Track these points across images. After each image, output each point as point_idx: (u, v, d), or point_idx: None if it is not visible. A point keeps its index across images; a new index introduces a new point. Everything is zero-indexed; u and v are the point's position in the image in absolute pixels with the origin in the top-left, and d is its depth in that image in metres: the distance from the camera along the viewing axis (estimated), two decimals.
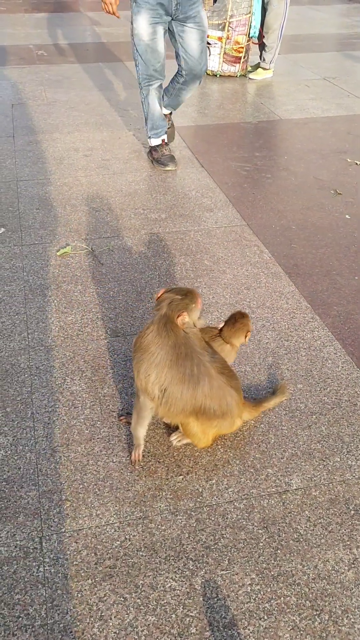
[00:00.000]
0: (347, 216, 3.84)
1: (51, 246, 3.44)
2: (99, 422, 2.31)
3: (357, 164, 4.59)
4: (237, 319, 2.29)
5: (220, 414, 2.10)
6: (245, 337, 2.28)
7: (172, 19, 3.99)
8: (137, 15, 3.89)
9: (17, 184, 4.14)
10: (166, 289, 2.04)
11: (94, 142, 4.87)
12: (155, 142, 4.47)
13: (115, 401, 2.41)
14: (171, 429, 2.26)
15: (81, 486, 2.05)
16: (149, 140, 4.51)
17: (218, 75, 6.63)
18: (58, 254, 3.36)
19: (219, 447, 2.22)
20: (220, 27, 6.34)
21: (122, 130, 5.13)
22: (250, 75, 6.62)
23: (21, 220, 3.69)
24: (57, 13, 9.83)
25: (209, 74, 6.67)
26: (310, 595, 1.76)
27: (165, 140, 4.48)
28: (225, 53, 6.48)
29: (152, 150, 4.52)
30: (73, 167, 4.42)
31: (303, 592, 1.77)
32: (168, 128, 4.64)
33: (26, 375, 2.52)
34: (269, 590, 1.77)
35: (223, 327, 2.29)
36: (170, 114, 4.74)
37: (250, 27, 6.37)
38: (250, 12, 6.28)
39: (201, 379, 2.01)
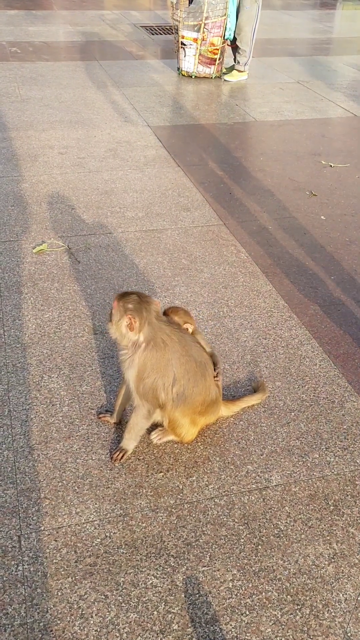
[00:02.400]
0: (322, 217, 3.88)
1: (27, 243, 3.40)
2: (77, 420, 2.28)
3: (331, 166, 4.64)
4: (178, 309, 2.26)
5: (215, 399, 2.13)
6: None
7: None
8: None
9: None
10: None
11: (69, 140, 4.83)
12: None
13: (94, 398, 2.38)
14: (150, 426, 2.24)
15: (60, 484, 2.03)
16: None
17: (193, 77, 6.64)
18: (34, 251, 3.32)
19: (199, 444, 2.21)
20: (195, 28, 6.35)
21: (98, 128, 5.10)
22: (225, 77, 6.65)
23: None
24: (30, 11, 9.74)
25: (184, 75, 6.68)
26: (292, 590, 1.76)
27: None
28: (200, 54, 6.50)
29: None
30: (48, 165, 4.38)
31: (284, 587, 1.77)
32: None
33: (2, 373, 2.48)
34: (250, 585, 1.77)
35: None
36: None
37: (225, 29, 6.40)
38: (225, 15, 6.31)
39: (207, 365, 2.09)
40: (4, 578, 1.75)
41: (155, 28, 8.96)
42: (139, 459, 2.14)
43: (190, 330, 2.21)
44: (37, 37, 8.05)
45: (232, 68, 6.73)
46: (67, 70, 6.71)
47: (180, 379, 2.00)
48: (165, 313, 2.21)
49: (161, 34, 8.64)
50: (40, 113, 5.37)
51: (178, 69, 6.76)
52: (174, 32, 6.67)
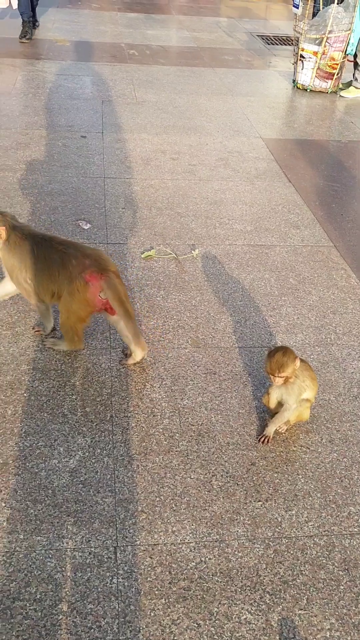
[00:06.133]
0: None
1: (136, 248, 3.42)
2: (177, 435, 2.26)
3: None
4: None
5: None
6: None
7: None
8: None
9: (104, 180, 4.15)
10: None
11: (181, 146, 4.84)
12: None
13: (195, 414, 2.35)
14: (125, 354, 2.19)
15: (158, 499, 2.01)
16: None
17: (309, 90, 6.52)
18: (142, 256, 3.33)
19: (300, 477, 2.13)
20: (317, 41, 6.23)
21: (210, 136, 5.09)
22: (342, 93, 6.49)
23: (107, 219, 3.68)
24: (149, 14, 9.90)
25: (299, 88, 6.58)
26: None
27: None
28: (319, 68, 6.37)
29: None
30: (160, 170, 4.40)
31: None
32: None
33: (107, 376, 2.49)
34: (349, 638, 1.68)
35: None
36: None
37: (348, 44, 6.24)
38: (350, 29, 6.16)
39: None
40: (99, 589, 1.74)
41: (272, 38, 8.88)
42: (237, 484, 2.08)
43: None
44: (154, 41, 8.16)
45: (349, 84, 6.56)
46: (182, 76, 6.76)
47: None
48: None
49: (277, 44, 8.55)
50: (154, 117, 5.43)
51: (293, 81, 6.66)
52: (293, 43, 6.57)
